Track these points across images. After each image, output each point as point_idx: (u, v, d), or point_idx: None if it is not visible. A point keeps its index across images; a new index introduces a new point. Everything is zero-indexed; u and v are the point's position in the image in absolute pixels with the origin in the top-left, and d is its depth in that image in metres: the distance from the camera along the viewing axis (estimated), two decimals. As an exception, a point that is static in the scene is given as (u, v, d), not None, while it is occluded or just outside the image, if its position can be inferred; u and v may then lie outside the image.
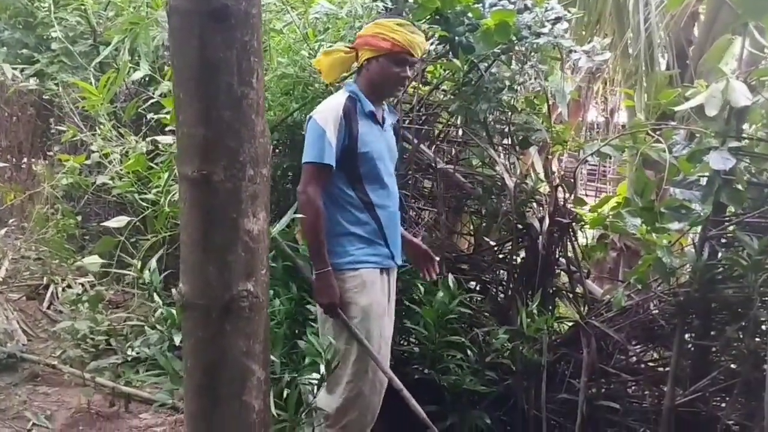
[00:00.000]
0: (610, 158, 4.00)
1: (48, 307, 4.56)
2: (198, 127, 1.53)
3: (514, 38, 3.48)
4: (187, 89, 1.53)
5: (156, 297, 2.98)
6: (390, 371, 2.76)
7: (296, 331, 3.13)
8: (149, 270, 2.95)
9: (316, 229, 2.72)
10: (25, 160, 6.03)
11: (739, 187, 3.05)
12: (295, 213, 3.07)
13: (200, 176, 1.55)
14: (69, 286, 4.44)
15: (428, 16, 3.49)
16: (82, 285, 4.15)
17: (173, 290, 2.84)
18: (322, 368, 2.63)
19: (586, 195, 9.13)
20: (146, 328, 2.97)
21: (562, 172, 5.05)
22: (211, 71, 1.51)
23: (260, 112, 1.57)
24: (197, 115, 1.53)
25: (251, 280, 1.62)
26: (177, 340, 2.82)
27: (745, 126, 3.20)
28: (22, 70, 4.91)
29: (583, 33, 5.48)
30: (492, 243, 4.12)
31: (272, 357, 2.49)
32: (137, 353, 3.09)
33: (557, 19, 3.48)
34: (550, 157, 3.89)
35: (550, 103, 3.90)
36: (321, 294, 2.76)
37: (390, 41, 2.74)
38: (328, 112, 2.75)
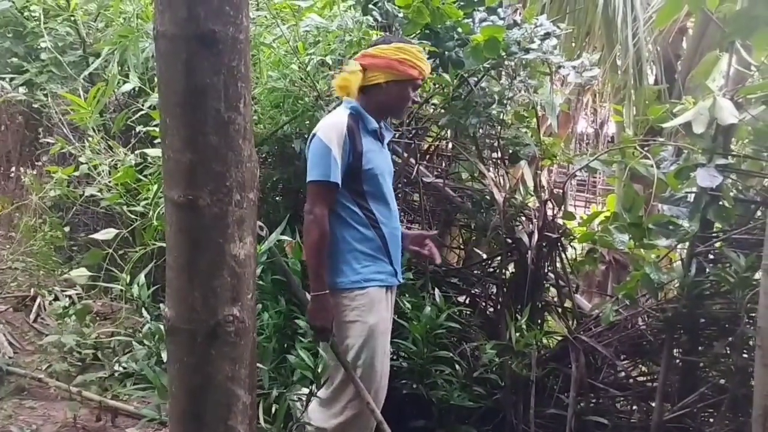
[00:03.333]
0: (598, 172, 4.01)
1: (35, 320, 4.52)
2: (184, 151, 1.53)
3: (503, 53, 3.50)
4: (173, 114, 1.53)
5: (144, 312, 2.97)
6: (372, 403, 2.73)
7: (285, 345, 3.12)
8: (137, 285, 2.94)
9: (318, 250, 2.68)
10: (13, 169, 6.00)
11: (726, 203, 3.07)
12: (284, 231, 3.08)
13: (186, 201, 1.54)
14: (56, 298, 4.41)
15: (418, 31, 3.50)
16: (70, 297, 4.12)
17: (161, 305, 2.84)
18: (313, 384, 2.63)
19: (576, 206, 9.16)
20: (134, 342, 2.94)
21: (552, 186, 5.06)
22: (198, 96, 1.50)
23: (247, 137, 1.57)
24: (184, 139, 1.53)
25: (237, 305, 1.61)
26: (164, 355, 2.82)
27: (732, 143, 3.23)
28: (11, 80, 4.89)
29: (573, 45, 5.51)
30: (483, 255, 4.13)
31: (261, 366, 2.50)
32: (124, 368, 3.06)
33: (546, 35, 3.50)
34: (539, 171, 3.90)
35: (540, 115, 3.92)
36: (315, 317, 2.71)
37: (417, 70, 2.75)
38: (331, 130, 2.70)
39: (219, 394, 1.63)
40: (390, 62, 2.74)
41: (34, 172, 5.20)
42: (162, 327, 2.79)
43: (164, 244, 3.16)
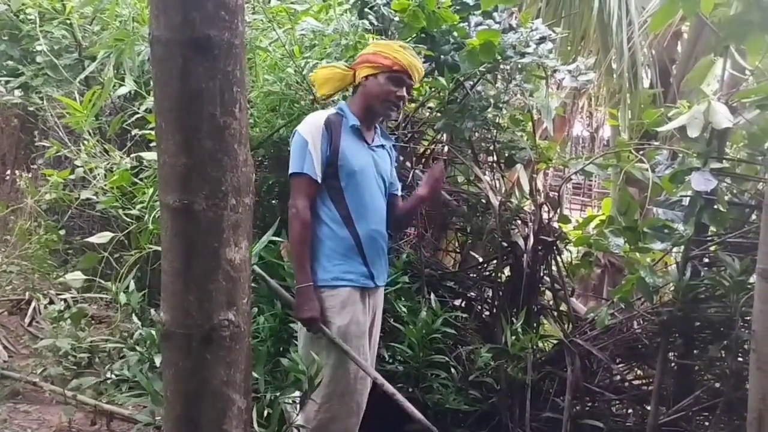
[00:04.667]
0: (594, 175, 4.03)
1: (30, 323, 4.51)
2: (179, 156, 1.53)
3: (499, 57, 3.51)
4: (168, 119, 1.53)
5: (135, 318, 2.96)
6: (381, 377, 2.75)
7: (280, 349, 3.12)
8: (126, 292, 2.92)
9: (300, 242, 2.72)
10: (8, 172, 5.98)
11: (721, 207, 3.08)
12: (277, 231, 3.08)
13: (182, 206, 1.54)
14: (51, 302, 4.39)
15: (414, 35, 3.50)
16: (65, 301, 4.11)
17: (153, 311, 2.84)
18: (305, 386, 2.62)
19: (571, 209, 9.17)
20: (125, 350, 2.93)
21: (548, 189, 5.07)
22: (194, 101, 1.50)
23: (243, 142, 1.57)
24: (179, 144, 1.53)
25: (232, 310, 1.61)
26: (158, 361, 2.81)
27: (727, 146, 3.24)
28: (6, 83, 4.88)
29: (569, 49, 5.52)
30: (479, 258, 4.13)
31: (255, 374, 2.49)
32: (117, 375, 3.05)
33: (542, 39, 3.51)
34: (534, 175, 3.91)
35: (536, 118, 3.93)
36: (302, 309, 2.73)
37: (391, 59, 2.78)
38: (310, 124, 2.78)
39: (214, 398, 1.63)
40: (366, 57, 2.83)
41: (29, 175, 5.19)
42: (154, 333, 2.79)
43: (160, 248, 3.18)
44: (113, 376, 3.14)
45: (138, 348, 2.96)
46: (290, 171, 2.78)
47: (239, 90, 1.54)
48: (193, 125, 1.51)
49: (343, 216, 2.79)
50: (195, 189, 1.54)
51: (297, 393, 2.71)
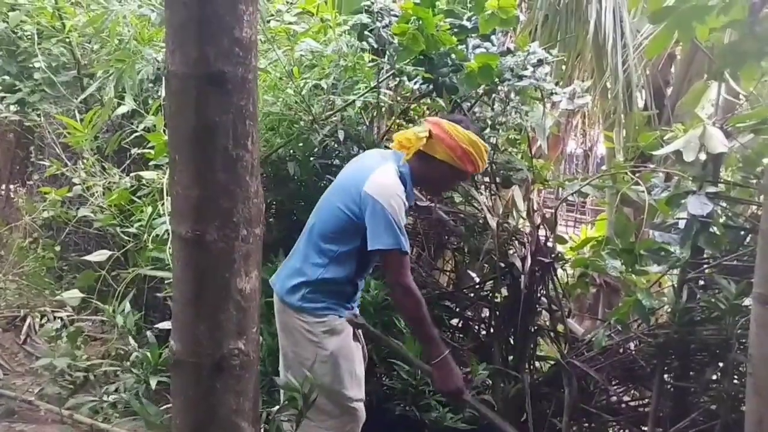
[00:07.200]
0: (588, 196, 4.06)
1: (25, 341, 4.49)
2: (192, 188, 1.55)
3: (496, 80, 3.54)
4: (182, 151, 1.55)
5: (131, 340, 2.95)
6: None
7: (278, 367, 3.12)
8: (122, 314, 2.92)
9: (422, 317, 2.68)
10: (3, 187, 5.96)
11: (717, 230, 3.11)
12: (275, 252, 3.09)
13: (194, 236, 1.56)
14: (47, 319, 4.38)
15: (413, 58, 3.54)
16: (61, 319, 4.10)
17: (149, 333, 2.84)
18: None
19: (566, 225, 9.22)
20: (120, 373, 2.93)
21: (542, 206, 5.10)
22: (207, 134, 1.53)
23: (254, 174, 1.60)
24: (192, 176, 1.55)
25: (242, 339, 1.63)
26: (153, 383, 2.81)
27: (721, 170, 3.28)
28: (2, 99, 4.87)
29: (563, 68, 5.57)
30: (475, 277, 4.14)
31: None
32: (113, 399, 3.04)
33: (539, 62, 3.55)
34: (531, 197, 3.93)
35: (531, 136, 3.96)
36: (446, 382, 2.71)
37: (474, 166, 2.78)
38: (398, 202, 2.66)
39: (223, 427, 1.64)
40: (456, 147, 2.73)
41: (24, 191, 5.18)
42: (149, 354, 2.79)
43: (155, 272, 3.18)
44: (110, 399, 3.13)
45: (134, 370, 2.95)
46: (390, 246, 2.63)
47: (251, 123, 1.56)
48: (207, 158, 1.53)
49: (356, 273, 2.82)
50: (207, 220, 1.56)
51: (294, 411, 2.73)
